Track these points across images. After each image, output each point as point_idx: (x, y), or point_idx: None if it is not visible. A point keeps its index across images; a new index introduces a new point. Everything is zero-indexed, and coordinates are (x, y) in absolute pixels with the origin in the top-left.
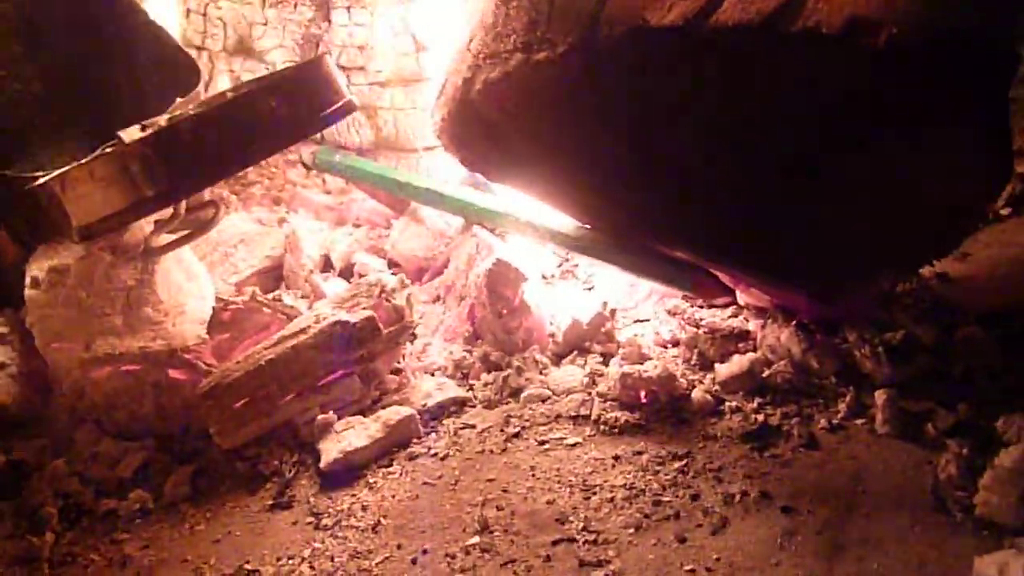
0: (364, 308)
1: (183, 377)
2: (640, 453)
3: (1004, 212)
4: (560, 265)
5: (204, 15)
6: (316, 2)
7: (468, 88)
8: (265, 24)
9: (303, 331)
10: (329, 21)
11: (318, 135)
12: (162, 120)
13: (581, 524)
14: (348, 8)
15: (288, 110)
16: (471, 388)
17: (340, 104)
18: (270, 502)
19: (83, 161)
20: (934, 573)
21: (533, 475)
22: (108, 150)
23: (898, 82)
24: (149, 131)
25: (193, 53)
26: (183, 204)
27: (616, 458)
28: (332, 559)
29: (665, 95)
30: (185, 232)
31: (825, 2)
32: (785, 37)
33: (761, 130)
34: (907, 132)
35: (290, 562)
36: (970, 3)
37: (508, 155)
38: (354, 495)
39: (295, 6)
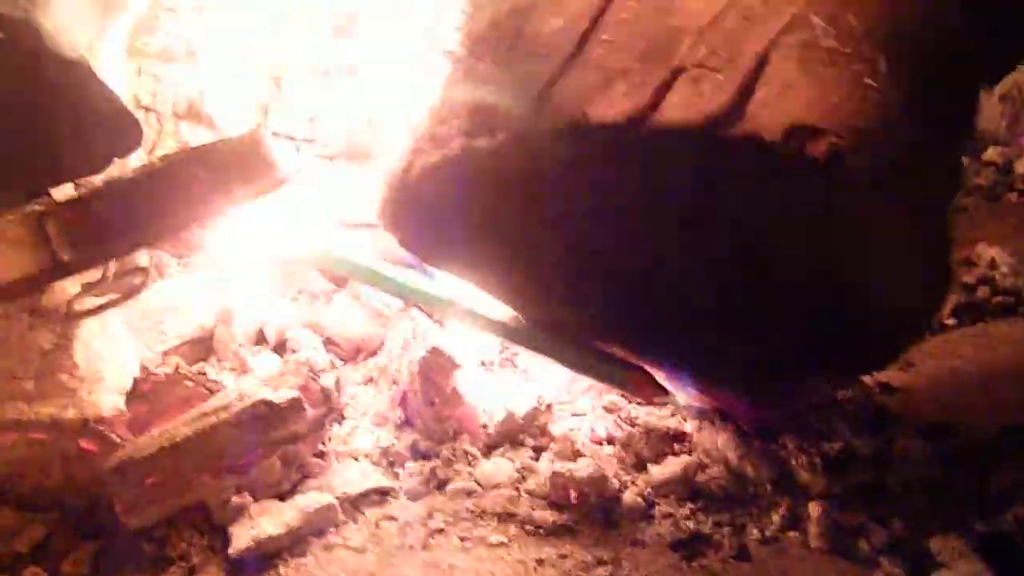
0: (290, 387)
1: (94, 449)
2: (565, 557)
3: (949, 322)
4: (501, 352)
5: (155, 77)
6: (272, 69)
7: (408, 170)
8: (215, 88)
9: (224, 408)
10: (279, 88)
11: None
12: (98, 181)
13: None
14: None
15: (216, 182)
16: (397, 477)
17: (273, 179)
18: None
19: None
20: None
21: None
22: (31, 209)
23: (838, 190)
24: (82, 191)
25: (140, 114)
26: (111, 268)
27: (539, 561)
28: None
29: (603, 191)
30: (111, 297)
31: (767, 107)
32: (726, 141)
33: (701, 228)
34: (848, 238)
35: None
36: (917, 117)
37: (446, 240)
38: None
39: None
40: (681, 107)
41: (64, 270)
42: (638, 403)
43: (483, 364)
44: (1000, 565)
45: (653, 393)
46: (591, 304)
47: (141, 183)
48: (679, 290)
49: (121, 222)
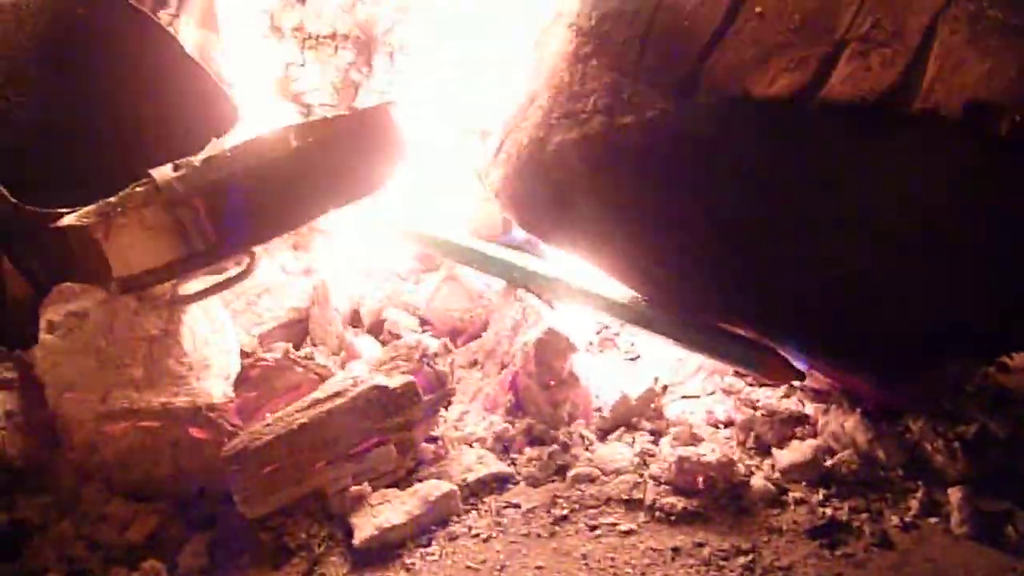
0: (403, 372)
1: (205, 437)
2: (701, 545)
3: None
4: (599, 333)
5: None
6: (358, 45)
7: (539, 148)
8: (303, 65)
9: (339, 394)
10: (370, 66)
11: None
12: (196, 160)
13: None
14: (391, 53)
15: (351, 165)
16: (513, 463)
17: (404, 156)
18: None
19: (129, 206)
20: None
21: (586, 565)
22: (140, 190)
23: (1017, 167)
24: (183, 171)
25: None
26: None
27: (675, 550)
28: None
29: (755, 167)
30: (217, 280)
31: (943, 82)
32: (901, 117)
33: (858, 204)
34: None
35: None
36: None
37: (573, 219)
38: None
39: (336, 48)
40: (850, 82)
41: (198, 260)
42: (755, 384)
43: (589, 345)
44: None
45: (787, 375)
46: (724, 283)
47: (279, 166)
48: (827, 273)
49: (253, 210)
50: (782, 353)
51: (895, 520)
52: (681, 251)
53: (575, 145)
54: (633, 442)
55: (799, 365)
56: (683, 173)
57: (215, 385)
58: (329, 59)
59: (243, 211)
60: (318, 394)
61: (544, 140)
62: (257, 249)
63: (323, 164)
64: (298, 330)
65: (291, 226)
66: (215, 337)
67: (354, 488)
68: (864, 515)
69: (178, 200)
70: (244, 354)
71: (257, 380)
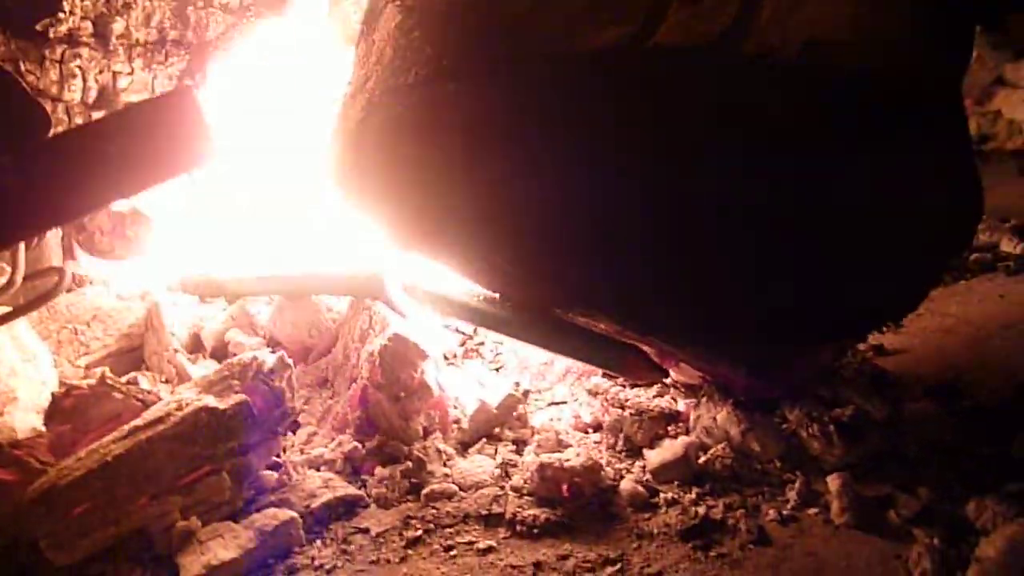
0: (236, 392)
1: (12, 478)
2: (565, 558)
3: None
4: (463, 344)
5: (61, 63)
6: (190, 51)
7: (364, 123)
8: (131, 74)
9: (161, 420)
10: (203, 73)
11: None
12: None
13: None
14: (224, 58)
15: (139, 151)
16: (364, 485)
17: (206, 147)
18: None
19: None
20: None
21: None
22: None
23: (854, 108)
24: None
25: (48, 105)
26: (20, 271)
27: (537, 565)
28: None
29: (591, 129)
30: (22, 304)
31: (779, 24)
32: (731, 62)
33: (700, 164)
34: (860, 163)
35: None
36: (935, 37)
37: (410, 204)
38: None
39: (165, 56)
40: (678, 28)
41: None
42: (624, 384)
43: (446, 357)
44: None
45: (648, 374)
46: (582, 272)
47: (42, 153)
48: (677, 243)
49: (25, 201)
50: (645, 351)
51: (772, 514)
52: (523, 237)
53: (398, 119)
54: (495, 453)
55: (665, 361)
56: (512, 141)
57: (22, 419)
58: (158, 67)
59: (13, 204)
60: (138, 422)
61: (366, 118)
62: (70, 268)
63: (121, 151)
64: (131, 359)
65: (68, 218)
66: (24, 367)
67: (181, 524)
68: (739, 511)
69: None
70: (62, 384)
71: (71, 411)
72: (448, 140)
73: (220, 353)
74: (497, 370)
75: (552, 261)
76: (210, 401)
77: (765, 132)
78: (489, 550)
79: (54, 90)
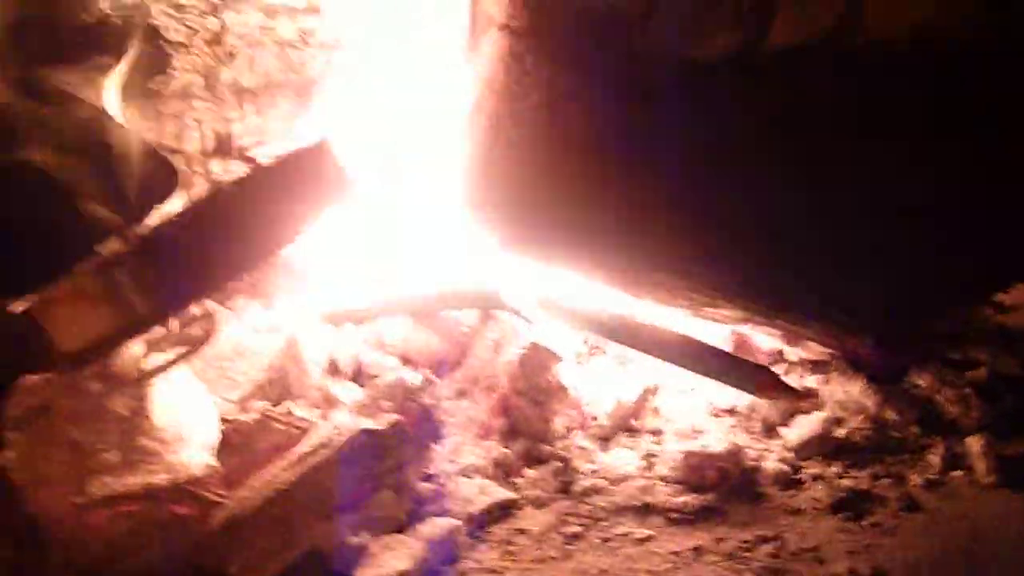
0: (387, 412)
1: (192, 512)
2: (722, 540)
3: None
4: (586, 342)
5: (177, 118)
6: (297, 92)
7: (491, 148)
8: (243, 120)
9: (324, 445)
10: (310, 109)
11: None
12: (143, 230)
13: None
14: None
15: (288, 201)
16: (516, 487)
17: (344, 190)
18: None
19: (62, 279)
20: None
21: None
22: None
23: (967, 88)
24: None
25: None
26: (175, 320)
27: (696, 550)
28: None
29: (723, 133)
30: (180, 351)
31: (884, 15)
32: (846, 52)
33: (829, 155)
34: (973, 142)
35: None
36: None
37: (541, 214)
38: None
39: (273, 99)
40: (790, 28)
41: (142, 322)
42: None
43: (577, 357)
44: None
45: (779, 392)
46: (709, 257)
47: (207, 213)
48: (811, 231)
49: (194, 260)
50: (772, 371)
51: (918, 480)
52: (650, 232)
53: (520, 140)
54: (636, 445)
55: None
56: (636, 149)
57: (195, 457)
58: (268, 110)
59: (180, 266)
60: (303, 449)
61: (494, 142)
62: (218, 311)
63: (262, 209)
64: (277, 389)
65: (233, 275)
66: (190, 408)
67: (354, 540)
68: (886, 480)
69: (110, 263)
70: (224, 421)
71: (238, 445)
72: (576, 157)
73: (359, 375)
74: (623, 364)
75: (684, 257)
76: (367, 423)
77: (892, 120)
78: (647, 539)
79: (173, 143)
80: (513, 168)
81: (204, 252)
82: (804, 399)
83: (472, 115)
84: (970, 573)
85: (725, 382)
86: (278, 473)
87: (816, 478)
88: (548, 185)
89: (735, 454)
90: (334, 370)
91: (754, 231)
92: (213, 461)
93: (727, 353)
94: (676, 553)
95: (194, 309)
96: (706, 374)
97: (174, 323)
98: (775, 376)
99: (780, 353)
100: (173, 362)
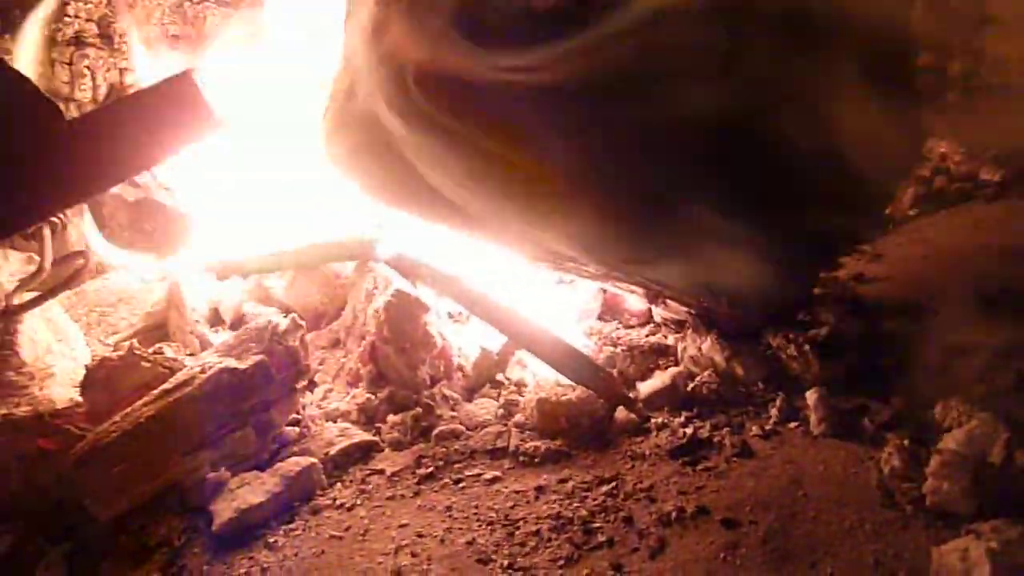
0: (254, 354)
1: (54, 446)
2: (565, 481)
3: (911, 213)
4: None
5: (70, 64)
6: (194, 45)
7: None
8: (136, 71)
9: (187, 383)
10: (204, 62)
11: None
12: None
13: (506, 562)
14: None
15: (150, 129)
16: (378, 432)
17: (210, 123)
18: (157, 575)
19: None
20: (892, 570)
21: (450, 516)
22: None
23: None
24: None
25: (61, 105)
26: (48, 258)
27: (539, 489)
28: None
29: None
30: (49, 288)
31: None
32: None
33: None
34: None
35: None
36: None
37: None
38: (252, 557)
39: (168, 51)
40: None
41: None
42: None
43: (452, 316)
44: (1008, 418)
45: (617, 394)
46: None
47: (59, 139)
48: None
49: (46, 182)
50: (613, 375)
51: (755, 430)
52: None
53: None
54: (499, 396)
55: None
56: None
57: (60, 392)
58: (162, 62)
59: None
60: (166, 386)
61: (350, 94)
62: (91, 250)
63: (127, 132)
64: (156, 336)
65: (86, 195)
66: (59, 346)
67: (212, 476)
68: (725, 430)
69: None
70: (97, 358)
71: (104, 381)
72: (424, 102)
73: (239, 325)
74: None
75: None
76: (231, 363)
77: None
78: (495, 480)
79: (66, 90)
80: (368, 118)
81: (58, 173)
82: (637, 410)
83: (340, 71)
84: (788, 510)
85: (570, 377)
86: (139, 408)
87: (662, 427)
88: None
89: (588, 402)
90: (216, 319)
91: (598, 180)
92: (78, 397)
93: (578, 352)
94: (519, 492)
95: (70, 246)
96: (554, 366)
97: (47, 260)
98: (613, 377)
99: (649, 312)
100: (42, 298)
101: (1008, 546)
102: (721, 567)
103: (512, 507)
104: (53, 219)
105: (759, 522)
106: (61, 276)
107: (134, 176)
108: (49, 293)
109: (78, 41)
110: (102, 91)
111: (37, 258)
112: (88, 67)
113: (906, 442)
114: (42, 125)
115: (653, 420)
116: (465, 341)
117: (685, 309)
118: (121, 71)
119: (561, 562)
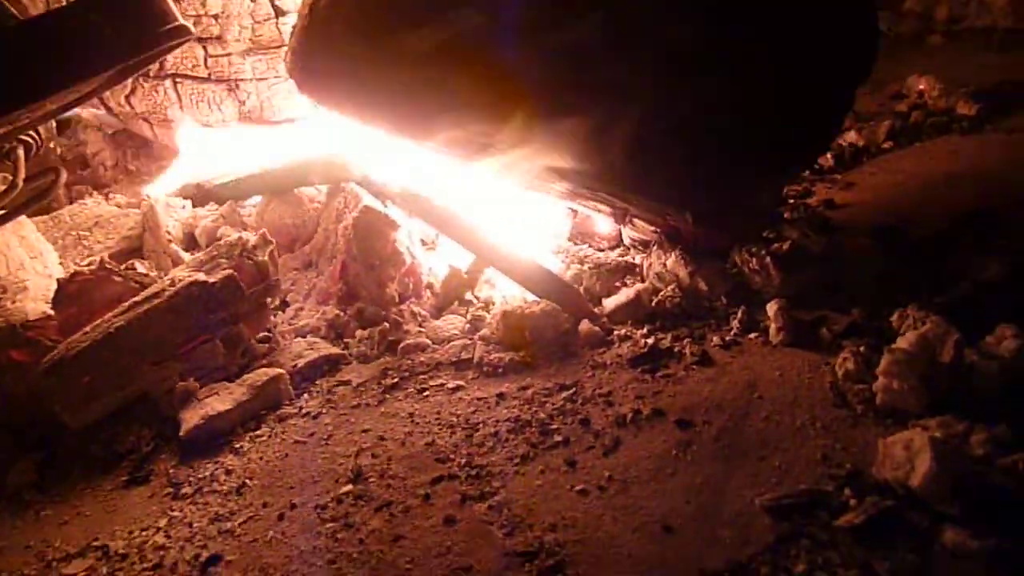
0: (224, 268)
1: (26, 358)
2: (526, 388)
3: (886, 145)
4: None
5: None
6: None
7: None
8: None
9: (157, 295)
10: None
11: None
12: None
13: (463, 460)
14: None
15: (112, 29)
16: (346, 346)
17: (172, 27)
18: (125, 479)
19: None
20: (839, 462)
21: (412, 421)
22: None
23: None
24: None
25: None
26: (21, 174)
27: (500, 395)
28: (190, 525)
29: None
30: (20, 202)
31: None
32: None
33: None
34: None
35: (143, 533)
36: None
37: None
38: (217, 461)
39: None
40: None
41: None
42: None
43: (424, 242)
44: (960, 323)
45: (582, 309)
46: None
47: (22, 33)
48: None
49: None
50: (579, 293)
51: (716, 340)
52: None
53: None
54: (467, 313)
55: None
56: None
57: (32, 306)
58: None
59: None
60: (136, 298)
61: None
62: (60, 164)
63: (79, 30)
64: (132, 258)
65: (50, 92)
66: (33, 263)
67: (181, 385)
68: (686, 341)
69: None
70: (69, 272)
71: (76, 295)
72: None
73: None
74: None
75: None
76: (200, 276)
77: None
78: (458, 388)
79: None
80: (334, 31)
81: (20, 67)
82: (601, 323)
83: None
84: (742, 411)
85: (536, 293)
86: (109, 319)
87: (624, 339)
88: (363, 42)
89: (552, 315)
90: (191, 244)
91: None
92: (50, 310)
93: (544, 268)
94: (481, 399)
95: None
96: (520, 282)
97: (20, 175)
98: (580, 296)
99: (619, 236)
100: (15, 212)
101: (952, 438)
102: (672, 462)
103: (473, 412)
104: (27, 139)
105: (712, 422)
106: (35, 191)
107: (89, 81)
108: (22, 207)
109: None
110: None
111: (10, 176)
112: None
113: (862, 348)
114: None
115: (616, 333)
116: (436, 261)
117: (652, 228)
118: None
119: (517, 460)
